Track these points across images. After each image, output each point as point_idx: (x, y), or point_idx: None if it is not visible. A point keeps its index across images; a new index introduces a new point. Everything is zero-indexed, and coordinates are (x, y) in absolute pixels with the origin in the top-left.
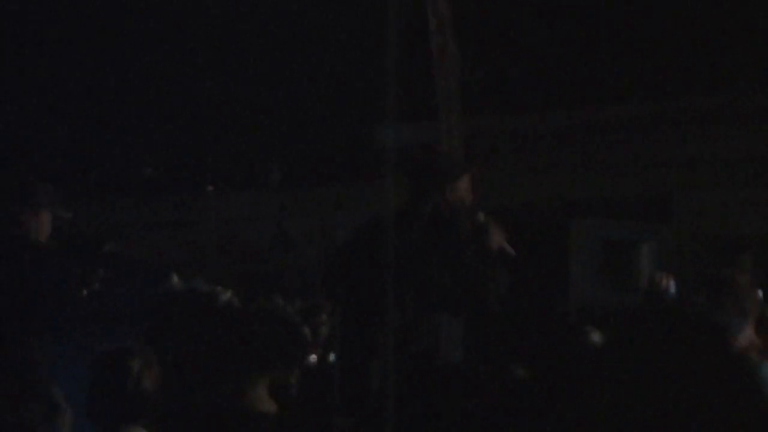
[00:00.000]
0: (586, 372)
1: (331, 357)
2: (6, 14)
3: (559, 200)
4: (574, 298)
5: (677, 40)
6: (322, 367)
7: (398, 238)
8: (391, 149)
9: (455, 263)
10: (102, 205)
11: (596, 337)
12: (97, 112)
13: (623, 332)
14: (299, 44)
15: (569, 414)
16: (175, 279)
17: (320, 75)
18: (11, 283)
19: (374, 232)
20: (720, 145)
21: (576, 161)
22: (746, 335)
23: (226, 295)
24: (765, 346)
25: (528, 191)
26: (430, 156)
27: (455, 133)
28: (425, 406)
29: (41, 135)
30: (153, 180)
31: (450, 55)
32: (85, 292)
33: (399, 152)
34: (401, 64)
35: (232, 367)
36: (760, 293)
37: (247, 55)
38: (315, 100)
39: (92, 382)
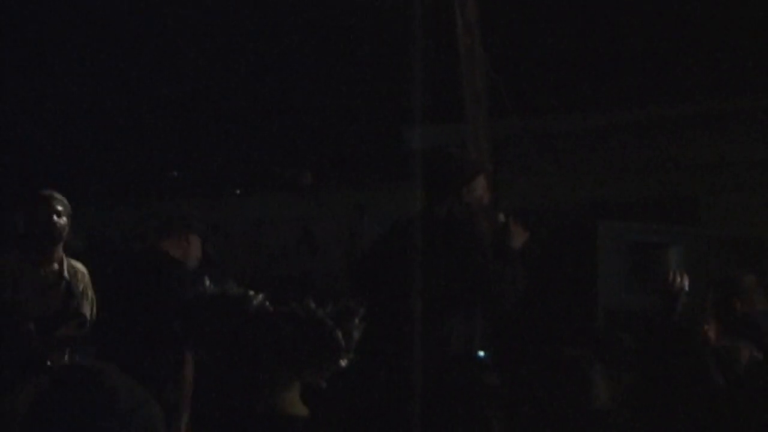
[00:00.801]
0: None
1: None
2: (38, 18)
3: (586, 203)
4: (602, 301)
5: (707, 41)
6: (353, 370)
7: (416, 240)
8: (418, 152)
9: (468, 264)
10: (130, 208)
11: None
12: (125, 116)
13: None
14: (328, 47)
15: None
16: (207, 282)
17: (348, 78)
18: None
19: (398, 235)
20: (748, 148)
21: (604, 163)
22: None
23: (258, 299)
24: None
25: (555, 193)
26: (443, 158)
27: (482, 135)
28: (447, 403)
29: (69, 140)
30: (180, 183)
31: (477, 56)
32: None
33: (426, 155)
34: (428, 67)
35: (264, 370)
36: None
37: (276, 58)
38: (342, 102)
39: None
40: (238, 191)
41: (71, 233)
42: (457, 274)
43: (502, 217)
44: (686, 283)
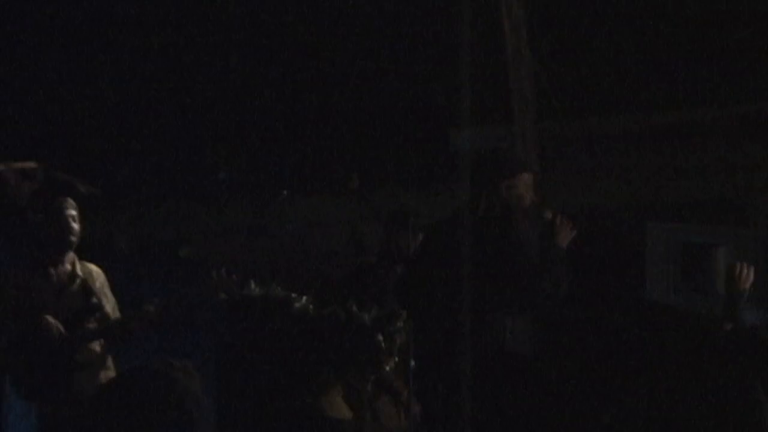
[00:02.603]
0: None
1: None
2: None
3: (635, 203)
4: (650, 302)
5: (755, 44)
6: (399, 374)
7: (456, 238)
8: (466, 154)
9: (504, 263)
10: (177, 210)
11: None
12: (174, 117)
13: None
14: (376, 50)
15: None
16: (253, 285)
17: (396, 81)
18: None
19: (444, 233)
20: None
21: (653, 164)
22: None
23: (301, 302)
24: None
25: (604, 194)
26: (486, 154)
27: (530, 136)
28: (496, 402)
29: (117, 141)
30: (229, 184)
31: (524, 58)
32: None
33: (473, 156)
34: (476, 69)
35: (305, 372)
36: None
37: (325, 61)
38: (390, 105)
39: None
40: (285, 192)
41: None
42: (495, 272)
43: (549, 215)
44: (752, 277)
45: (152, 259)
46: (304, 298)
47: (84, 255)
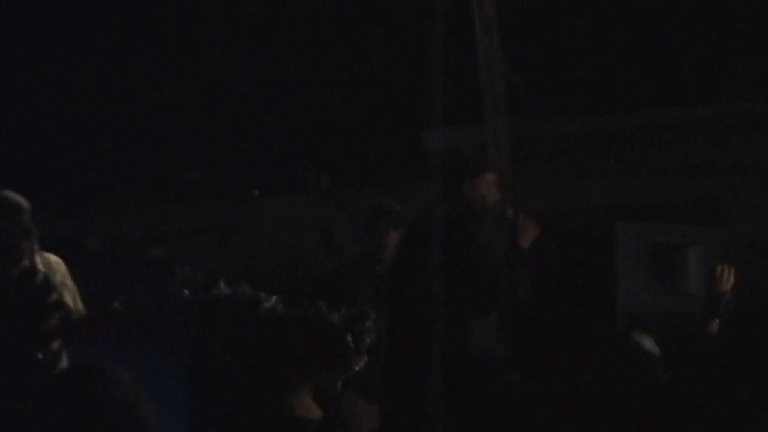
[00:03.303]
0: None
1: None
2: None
3: (605, 204)
4: (622, 302)
5: (726, 43)
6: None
7: (425, 240)
8: (437, 153)
9: (466, 262)
10: (147, 210)
11: (647, 343)
12: (143, 117)
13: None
14: (346, 48)
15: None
16: (222, 285)
17: (366, 79)
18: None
19: (418, 233)
20: None
21: (623, 164)
22: None
23: (270, 302)
24: None
25: (575, 194)
26: (447, 156)
27: (501, 137)
28: (469, 402)
29: (85, 142)
30: (199, 184)
31: (496, 58)
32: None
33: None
34: (446, 67)
35: (273, 372)
36: None
37: (294, 59)
38: (361, 104)
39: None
40: (257, 192)
41: (36, 226)
42: (459, 273)
43: (510, 213)
44: (733, 278)
45: (123, 259)
46: (274, 298)
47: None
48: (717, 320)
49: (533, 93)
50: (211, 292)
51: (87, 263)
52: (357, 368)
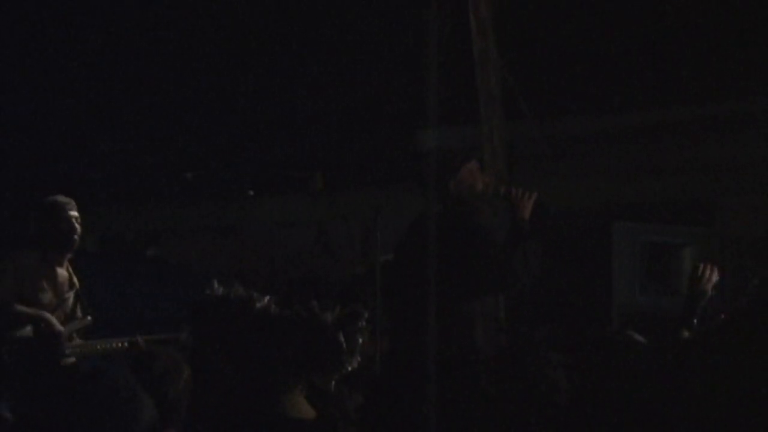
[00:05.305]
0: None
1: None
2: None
3: (601, 204)
4: (617, 302)
5: (722, 43)
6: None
7: (422, 242)
8: (432, 153)
9: (476, 251)
10: (143, 210)
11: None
12: (138, 117)
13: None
14: (341, 49)
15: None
16: (216, 285)
17: (361, 80)
18: None
19: (417, 232)
20: (765, 149)
21: (619, 165)
22: None
23: (263, 302)
24: None
25: (570, 195)
26: (427, 161)
27: (497, 137)
28: (463, 397)
29: (81, 142)
30: (194, 185)
31: (491, 58)
32: None
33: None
34: (442, 69)
35: (266, 372)
36: None
37: (289, 60)
38: (356, 104)
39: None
40: (251, 192)
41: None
42: (467, 265)
43: (501, 191)
44: (715, 277)
45: (120, 259)
46: (266, 297)
47: None
48: (694, 320)
49: (528, 93)
50: (205, 292)
51: (84, 264)
52: (350, 368)
